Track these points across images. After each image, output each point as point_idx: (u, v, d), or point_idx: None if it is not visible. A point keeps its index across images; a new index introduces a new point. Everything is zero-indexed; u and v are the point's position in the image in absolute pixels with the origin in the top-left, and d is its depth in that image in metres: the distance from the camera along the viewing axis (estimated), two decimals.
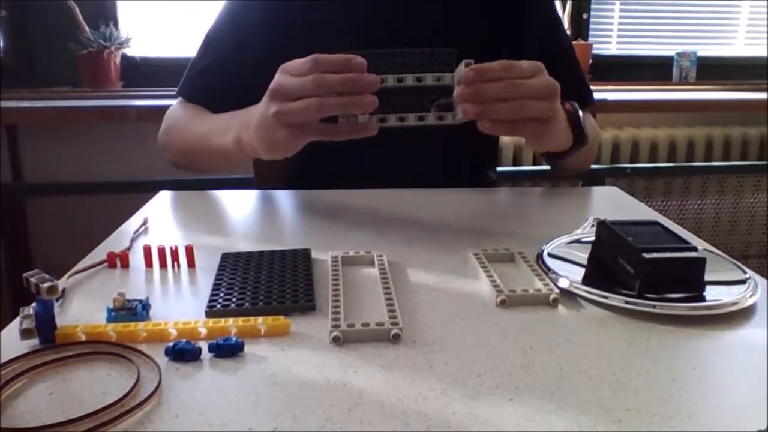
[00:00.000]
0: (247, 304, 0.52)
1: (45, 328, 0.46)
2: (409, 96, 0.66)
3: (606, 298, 0.53)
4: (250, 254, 0.62)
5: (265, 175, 1.08)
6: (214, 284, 0.56)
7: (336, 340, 0.47)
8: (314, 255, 0.63)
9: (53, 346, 0.46)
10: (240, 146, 0.76)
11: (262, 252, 0.62)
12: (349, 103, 0.64)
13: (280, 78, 0.67)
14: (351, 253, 0.62)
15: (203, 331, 0.47)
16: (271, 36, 0.90)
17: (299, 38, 0.90)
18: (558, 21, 1.02)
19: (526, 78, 0.66)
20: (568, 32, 2.03)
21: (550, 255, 0.62)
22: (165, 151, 0.95)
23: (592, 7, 2.15)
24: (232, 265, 0.59)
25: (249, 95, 0.75)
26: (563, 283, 0.56)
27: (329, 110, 0.64)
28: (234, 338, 0.45)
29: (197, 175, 1.14)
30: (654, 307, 0.51)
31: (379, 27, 0.91)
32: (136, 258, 0.62)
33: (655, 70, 2.15)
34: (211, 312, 0.51)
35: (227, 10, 0.94)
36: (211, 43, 0.94)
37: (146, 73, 1.95)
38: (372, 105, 0.63)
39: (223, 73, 0.92)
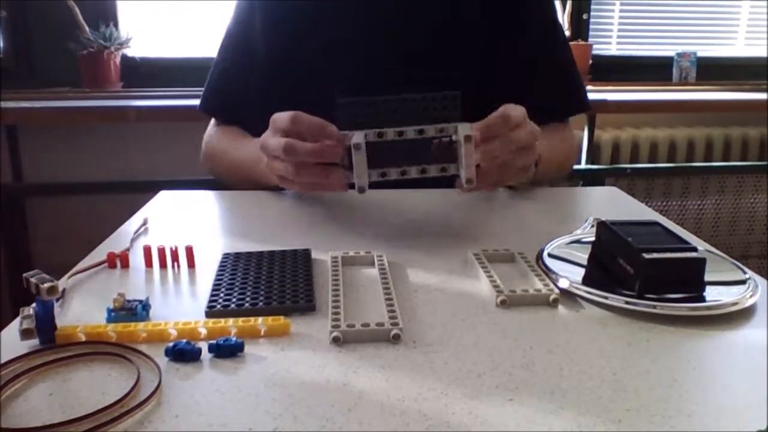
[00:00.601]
0: (247, 304, 0.52)
1: (45, 328, 0.46)
2: (409, 144, 0.65)
3: (606, 298, 0.53)
4: (250, 254, 0.62)
5: None
6: (214, 284, 0.56)
7: (336, 341, 0.47)
8: (314, 255, 0.63)
9: (53, 346, 0.46)
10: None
11: (262, 252, 0.62)
12: (318, 185, 0.70)
13: (266, 133, 0.72)
14: (351, 253, 0.62)
15: (203, 331, 0.47)
16: (278, 38, 0.92)
17: (301, 40, 0.91)
18: (557, 23, 1.02)
19: (514, 128, 0.68)
20: (568, 33, 2.04)
21: (550, 255, 0.62)
22: (210, 173, 1.01)
23: (592, 7, 2.15)
24: (232, 266, 0.59)
25: (264, 100, 0.77)
26: (563, 284, 0.56)
27: (304, 178, 0.69)
28: (234, 338, 0.45)
29: (198, 176, 1.14)
30: (654, 307, 0.51)
31: (378, 29, 0.91)
32: (136, 258, 0.62)
33: (655, 70, 2.15)
34: (211, 312, 0.51)
35: (235, 16, 0.98)
36: (226, 49, 0.98)
37: (146, 73, 1.95)
38: (339, 188, 0.68)
39: (240, 82, 0.96)
